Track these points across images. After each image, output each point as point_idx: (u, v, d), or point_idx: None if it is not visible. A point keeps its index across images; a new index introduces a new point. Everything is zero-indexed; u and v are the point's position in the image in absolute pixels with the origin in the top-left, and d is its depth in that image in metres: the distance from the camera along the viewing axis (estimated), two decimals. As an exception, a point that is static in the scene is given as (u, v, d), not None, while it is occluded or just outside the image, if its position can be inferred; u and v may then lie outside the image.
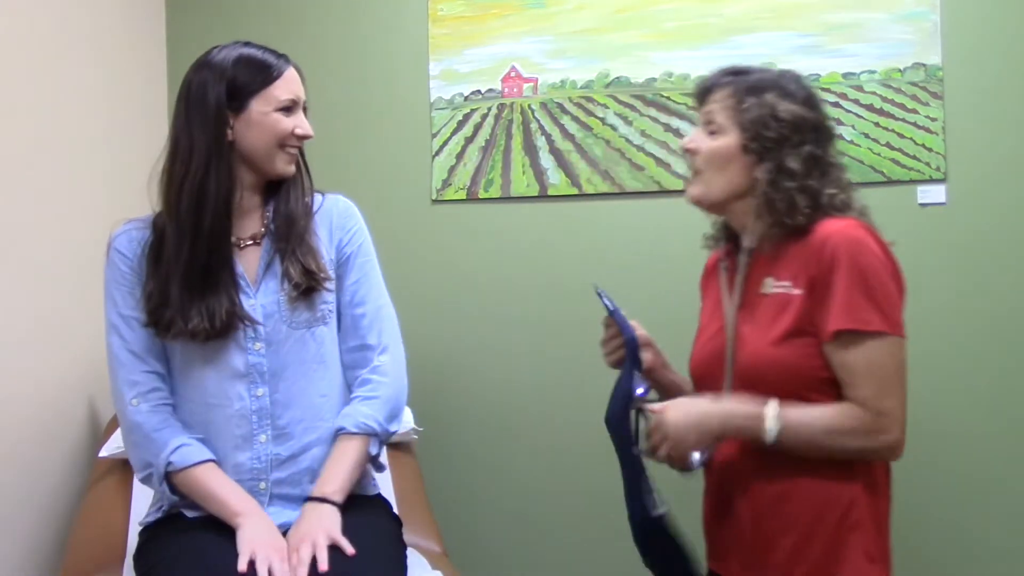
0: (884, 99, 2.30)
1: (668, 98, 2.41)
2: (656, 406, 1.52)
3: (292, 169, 1.66)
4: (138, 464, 1.62)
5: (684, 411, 1.50)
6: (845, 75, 2.29)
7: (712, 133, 1.58)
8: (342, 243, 1.70)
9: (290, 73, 1.64)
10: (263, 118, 1.60)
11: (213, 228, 1.57)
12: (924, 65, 2.28)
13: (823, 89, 2.27)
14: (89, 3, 2.25)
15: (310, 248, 1.64)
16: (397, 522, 1.71)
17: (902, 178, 2.29)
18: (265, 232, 1.66)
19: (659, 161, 2.41)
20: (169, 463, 1.56)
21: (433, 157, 2.52)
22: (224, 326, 1.57)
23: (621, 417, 1.56)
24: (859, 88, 2.30)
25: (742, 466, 1.55)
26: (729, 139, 1.55)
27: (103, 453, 2.04)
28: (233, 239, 1.63)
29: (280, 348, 1.62)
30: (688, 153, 1.62)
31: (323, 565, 1.43)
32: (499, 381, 2.50)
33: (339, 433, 1.63)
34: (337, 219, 1.71)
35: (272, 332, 1.62)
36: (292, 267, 1.61)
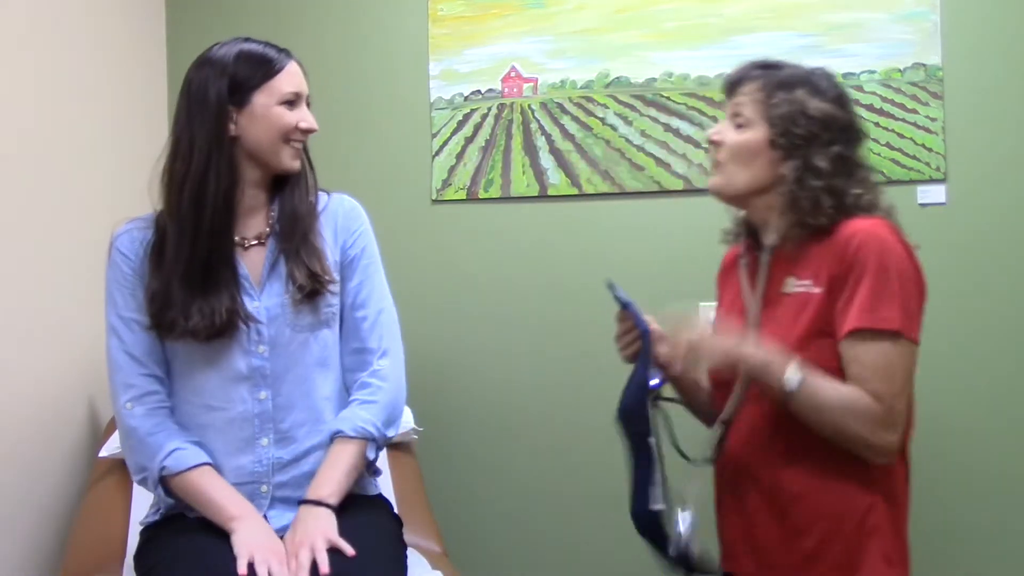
0: (884, 99, 2.30)
1: (668, 98, 2.41)
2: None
3: (298, 164, 1.65)
4: (134, 467, 1.62)
5: (727, 328, 1.52)
6: (845, 75, 2.28)
7: (739, 126, 1.56)
8: (347, 244, 1.69)
9: (292, 66, 1.63)
10: (267, 112, 1.59)
11: (214, 224, 1.56)
12: (924, 65, 2.28)
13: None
14: (89, 3, 2.25)
15: (315, 249, 1.63)
16: (398, 522, 1.71)
17: (902, 178, 2.29)
18: (270, 232, 1.64)
19: (659, 161, 2.41)
20: (163, 467, 1.55)
21: (433, 157, 2.52)
22: (224, 324, 1.55)
23: (637, 408, 1.55)
24: (859, 88, 2.30)
25: (758, 467, 1.54)
26: (756, 133, 1.54)
27: (103, 453, 2.04)
28: (237, 239, 1.61)
29: (283, 351, 1.61)
30: (713, 145, 1.60)
31: (324, 568, 1.43)
32: (499, 381, 2.50)
33: (336, 436, 1.61)
34: (342, 220, 1.70)
35: (276, 335, 1.61)
36: (297, 269, 1.60)
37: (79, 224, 2.13)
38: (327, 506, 1.54)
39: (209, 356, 1.59)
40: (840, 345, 1.45)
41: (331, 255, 1.66)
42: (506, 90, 2.48)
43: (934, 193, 2.28)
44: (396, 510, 1.78)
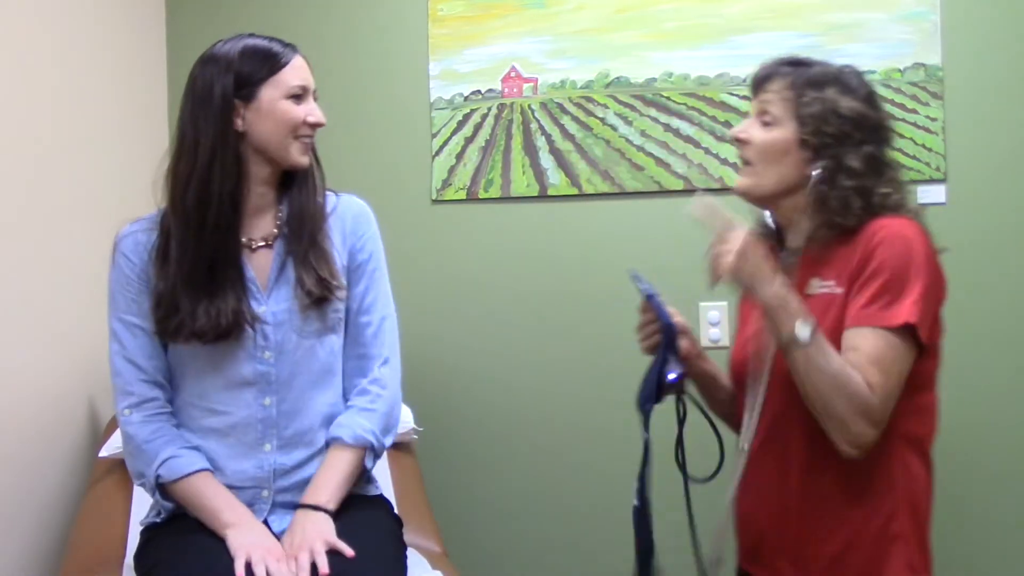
0: (884, 99, 2.29)
1: (668, 98, 2.41)
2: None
3: (307, 159, 1.63)
4: (133, 472, 1.62)
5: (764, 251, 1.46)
6: (845, 75, 2.28)
7: (766, 124, 1.53)
8: (355, 248, 1.67)
9: (298, 60, 1.61)
10: (273, 106, 1.57)
11: (219, 223, 1.54)
12: (924, 65, 2.28)
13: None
14: (89, 3, 2.25)
15: (324, 253, 1.61)
16: (398, 522, 1.70)
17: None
18: (278, 234, 1.62)
19: (659, 161, 2.41)
20: (158, 475, 1.55)
21: (433, 157, 2.52)
22: (230, 326, 1.54)
23: (647, 401, 1.53)
24: (859, 88, 2.29)
25: (780, 473, 1.52)
26: (785, 131, 1.51)
27: (103, 453, 2.04)
28: (244, 239, 1.60)
29: (289, 357, 1.60)
30: (739, 143, 1.57)
31: (323, 569, 1.42)
32: (499, 381, 2.50)
33: (334, 442, 1.61)
34: (351, 223, 1.68)
35: (282, 340, 1.59)
36: (306, 275, 1.58)
37: (79, 224, 2.13)
38: (325, 511, 1.53)
39: (214, 360, 1.58)
40: (844, 334, 1.43)
41: (339, 259, 1.64)
42: (506, 90, 2.48)
43: (934, 193, 2.28)
44: (396, 510, 1.78)
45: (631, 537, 1.58)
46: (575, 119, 2.45)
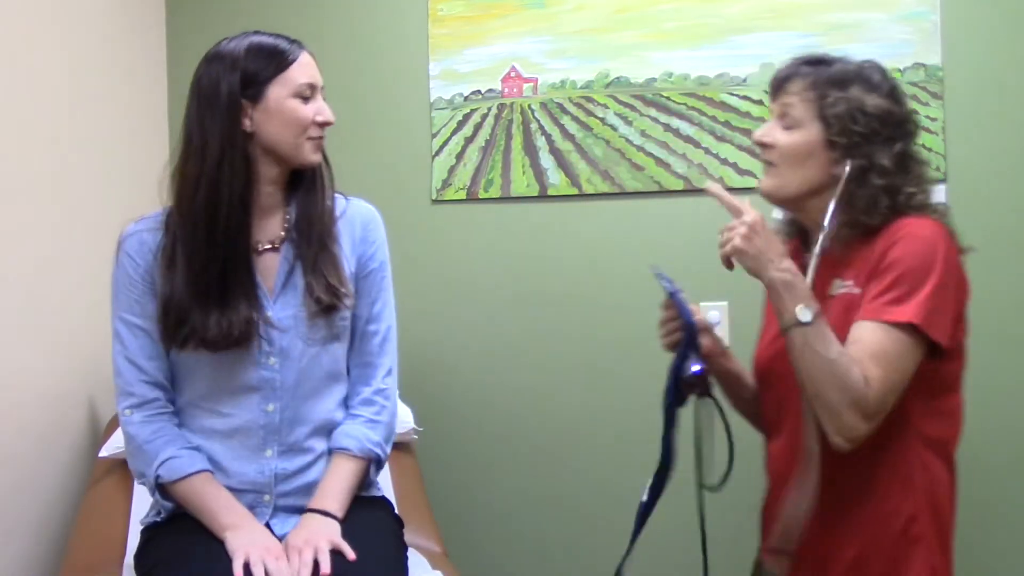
0: (884, 99, 2.30)
1: (668, 98, 2.40)
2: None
3: (318, 157, 1.61)
4: (134, 471, 1.63)
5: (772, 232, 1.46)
6: (845, 75, 2.28)
7: (788, 127, 1.52)
8: (365, 257, 1.66)
9: (305, 57, 1.59)
10: (281, 105, 1.54)
11: (230, 225, 1.52)
12: (924, 65, 2.28)
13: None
14: (89, 3, 2.25)
15: (333, 259, 1.59)
16: (399, 523, 1.70)
17: (902, 178, 2.28)
18: (286, 237, 1.60)
19: (659, 161, 2.41)
20: (157, 476, 1.54)
21: (433, 157, 2.52)
22: (242, 335, 1.52)
23: (672, 400, 1.53)
24: (859, 88, 2.29)
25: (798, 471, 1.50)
26: (809, 133, 1.50)
27: (103, 453, 2.04)
28: (251, 242, 1.57)
29: (295, 364, 1.58)
30: (762, 147, 1.55)
31: (325, 568, 1.42)
32: (499, 381, 2.50)
33: (341, 451, 1.60)
34: (360, 230, 1.66)
35: (288, 347, 1.58)
36: (315, 281, 1.56)
37: (79, 224, 2.13)
38: (332, 516, 1.53)
39: (218, 365, 1.56)
40: (852, 327, 1.42)
41: (347, 265, 1.63)
42: (506, 90, 2.48)
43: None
44: (396, 510, 1.78)
45: (632, 537, 1.58)
46: (575, 119, 2.45)
